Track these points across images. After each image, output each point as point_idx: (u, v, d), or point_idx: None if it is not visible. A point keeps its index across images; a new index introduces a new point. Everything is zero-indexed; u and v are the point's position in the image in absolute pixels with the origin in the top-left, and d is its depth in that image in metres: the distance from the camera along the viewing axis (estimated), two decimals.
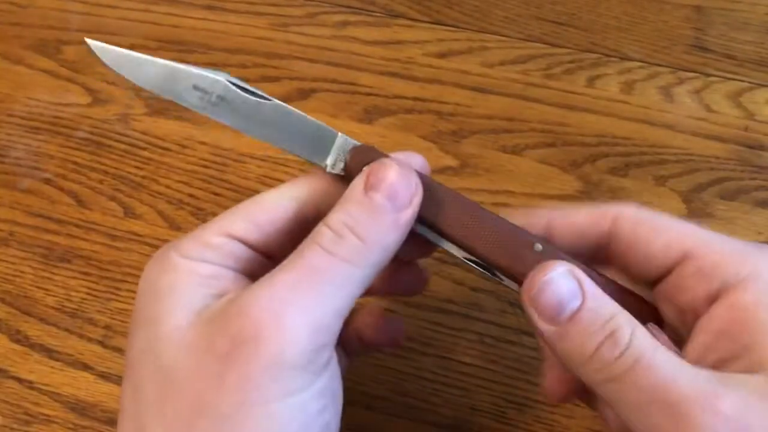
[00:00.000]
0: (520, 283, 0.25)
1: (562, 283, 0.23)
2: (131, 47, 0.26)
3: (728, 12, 0.48)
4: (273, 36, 0.48)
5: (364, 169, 0.25)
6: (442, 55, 0.47)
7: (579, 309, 0.23)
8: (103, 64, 0.26)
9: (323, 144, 0.27)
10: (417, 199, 0.24)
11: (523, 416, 0.36)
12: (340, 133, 0.27)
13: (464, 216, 0.26)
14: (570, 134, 0.44)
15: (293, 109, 0.27)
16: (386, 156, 0.26)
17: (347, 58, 0.47)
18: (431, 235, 0.26)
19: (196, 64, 0.27)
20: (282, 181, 0.42)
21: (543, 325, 0.24)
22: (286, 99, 0.45)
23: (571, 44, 0.47)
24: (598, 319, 0.23)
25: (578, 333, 0.23)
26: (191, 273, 0.24)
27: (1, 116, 0.45)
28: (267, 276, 0.23)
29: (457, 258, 0.27)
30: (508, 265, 0.26)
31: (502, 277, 0.26)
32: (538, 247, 0.25)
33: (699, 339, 0.24)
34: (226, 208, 0.42)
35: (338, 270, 0.23)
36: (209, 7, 0.49)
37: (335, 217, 0.24)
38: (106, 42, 0.26)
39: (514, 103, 0.45)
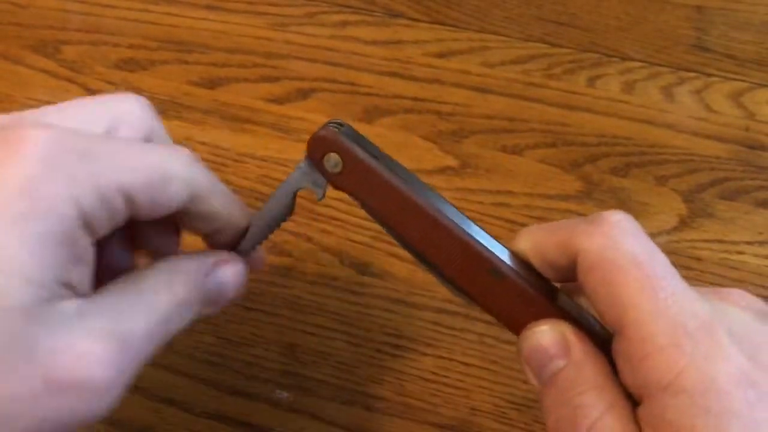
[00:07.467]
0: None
1: (544, 340, 0.24)
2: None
3: (729, 12, 0.48)
4: (273, 36, 0.48)
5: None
6: (442, 55, 0.47)
7: (560, 371, 0.23)
8: None
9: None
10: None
11: (523, 417, 0.36)
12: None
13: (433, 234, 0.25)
14: (571, 134, 0.44)
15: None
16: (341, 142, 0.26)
17: (347, 58, 0.47)
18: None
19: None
20: (282, 181, 0.42)
21: (531, 379, 0.24)
22: (285, 99, 0.46)
23: (572, 44, 0.47)
24: (572, 388, 0.23)
25: (554, 396, 0.23)
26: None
27: None
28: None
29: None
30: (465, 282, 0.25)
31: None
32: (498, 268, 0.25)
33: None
34: None
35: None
36: (209, 7, 0.49)
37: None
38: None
39: (514, 103, 0.45)
